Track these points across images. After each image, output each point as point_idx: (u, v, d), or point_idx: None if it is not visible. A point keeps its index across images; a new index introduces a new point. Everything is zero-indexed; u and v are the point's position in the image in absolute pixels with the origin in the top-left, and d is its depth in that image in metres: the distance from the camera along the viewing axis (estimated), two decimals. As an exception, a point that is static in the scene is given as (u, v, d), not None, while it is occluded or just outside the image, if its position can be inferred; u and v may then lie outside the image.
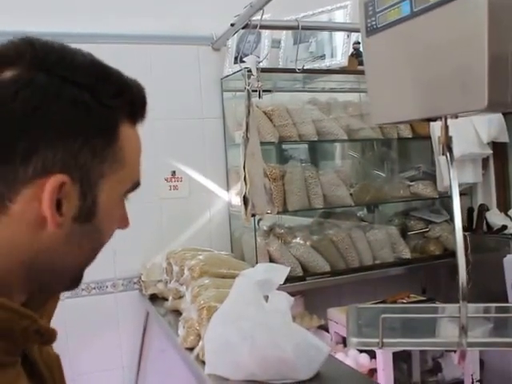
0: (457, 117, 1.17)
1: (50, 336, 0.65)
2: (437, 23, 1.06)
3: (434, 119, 1.25)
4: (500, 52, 0.96)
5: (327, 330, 2.46)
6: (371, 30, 1.27)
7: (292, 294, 2.51)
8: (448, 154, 1.15)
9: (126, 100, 0.67)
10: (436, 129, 2.36)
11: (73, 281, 0.70)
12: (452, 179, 1.14)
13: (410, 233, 2.87)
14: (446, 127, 1.18)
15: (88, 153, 0.62)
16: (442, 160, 2.64)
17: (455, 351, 1.55)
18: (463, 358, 1.16)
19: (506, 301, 2.27)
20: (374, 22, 1.27)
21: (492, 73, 0.95)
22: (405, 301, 2.48)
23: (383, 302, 2.47)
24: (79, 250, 0.66)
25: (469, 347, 1.12)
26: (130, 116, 0.69)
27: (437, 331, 1.46)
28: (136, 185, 0.74)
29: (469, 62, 0.99)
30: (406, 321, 1.47)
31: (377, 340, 1.19)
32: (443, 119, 1.17)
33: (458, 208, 1.09)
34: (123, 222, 0.76)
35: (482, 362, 2.35)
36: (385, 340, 1.19)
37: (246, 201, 2.07)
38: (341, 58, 2.44)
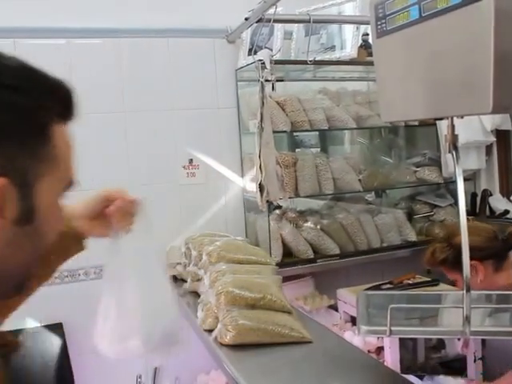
0: (462, 117, 1.23)
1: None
2: (444, 28, 1.11)
3: (441, 118, 1.32)
4: (505, 57, 1.01)
5: (336, 310, 2.57)
6: (381, 32, 1.34)
7: (302, 276, 2.66)
8: (454, 153, 1.23)
9: (56, 99, 0.67)
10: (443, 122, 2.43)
11: (16, 287, 0.69)
12: (458, 175, 1.21)
13: (415, 216, 2.97)
14: (453, 127, 1.25)
15: (24, 154, 0.61)
16: (447, 147, 2.74)
17: (459, 339, 1.64)
18: (466, 346, 1.23)
19: (507, 281, 2.37)
20: (383, 25, 1.33)
21: (497, 77, 1.00)
22: (411, 281, 2.59)
23: (390, 282, 2.58)
24: (21, 253, 0.65)
25: (472, 336, 1.19)
26: (60, 115, 0.68)
27: (443, 316, 1.51)
28: (70, 183, 0.72)
29: (474, 66, 1.04)
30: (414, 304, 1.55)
31: (385, 328, 1.24)
32: (450, 119, 1.23)
33: (463, 211, 1.16)
34: (57, 224, 0.72)
35: (483, 340, 2.44)
36: (393, 328, 1.24)
37: (261, 188, 2.17)
38: (350, 50, 2.51)
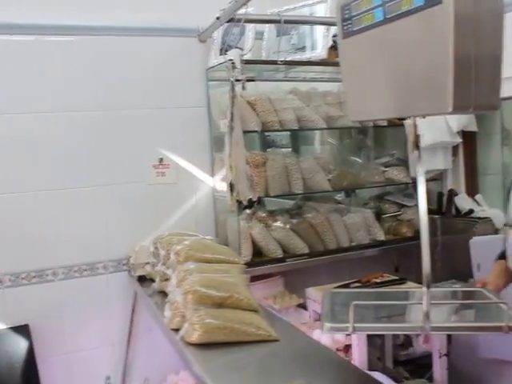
0: (424, 117, 1.26)
1: None
2: (407, 29, 1.14)
3: (405, 118, 1.35)
4: (465, 58, 1.04)
5: (306, 308, 2.59)
6: (347, 33, 1.36)
7: (272, 275, 2.67)
8: (417, 152, 1.26)
9: None
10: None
11: None
12: (419, 175, 1.25)
13: (384, 216, 3.02)
14: (415, 127, 1.27)
15: None
16: (409, 147, 2.79)
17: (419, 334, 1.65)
18: (427, 341, 1.26)
19: (472, 279, 2.42)
20: (349, 25, 1.36)
21: (457, 78, 1.03)
22: (378, 280, 2.62)
23: (358, 281, 2.61)
24: None
25: (432, 331, 1.23)
26: None
27: (407, 314, 1.54)
28: None
29: (435, 68, 1.08)
30: (379, 304, 1.57)
31: (348, 325, 1.27)
32: (412, 119, 1.26)
33: (423, 202, 1.19)
34: None
35: (449, 337, 2.49)
36: (356, 325, 1.27)
37: (232, 187, 2.18)
38: (321, 51, 2.54)
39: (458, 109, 1.08)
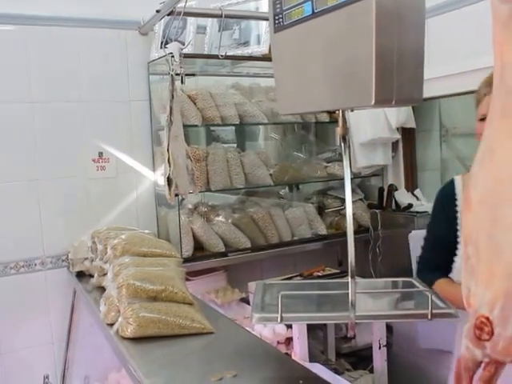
0: (352, 110, 1.28)
1: None
2: (334, 24, 1.16)
3: (333, 111, 1.37)
4: (386, 53, 1.06)
5: (248, 303, 2.60)
6: (278, 27, 1.38)
7: (215, 270, 2.68)
8: (343, 145, 1.28)
9: None
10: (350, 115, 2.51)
11: None
12: (345, 167, 1.26)
13: (326, 210, 3.05)
14: (344, 119, 1.30)
15: None
16: (355, 143, 2.84)
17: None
18: (352, 329, 1.29)
19: (411, 271, 2.48)
20: (280, 20, 1.38)
21: (379, 72, 1.05)
22: (320, 273, 2.66)
23: (300, 275, 2.65)
24: None
25: (357, 320, 1.25)
26: None
27: (338, 304, 1.58)
28: None
29: (359, 62, 1.09)
30: (310, 296, 1.59)
31: (276, 315, 1.29)
32: (340, 112, 1.27)
33: (349, 194, 1.21)
34: None
35: (390, 328, 2.56)
36: (284, 315, 1.29)
37: (169, 181, 2.16)
38: (262, 46, 2.55)
39: (380, 102, 1.10)
